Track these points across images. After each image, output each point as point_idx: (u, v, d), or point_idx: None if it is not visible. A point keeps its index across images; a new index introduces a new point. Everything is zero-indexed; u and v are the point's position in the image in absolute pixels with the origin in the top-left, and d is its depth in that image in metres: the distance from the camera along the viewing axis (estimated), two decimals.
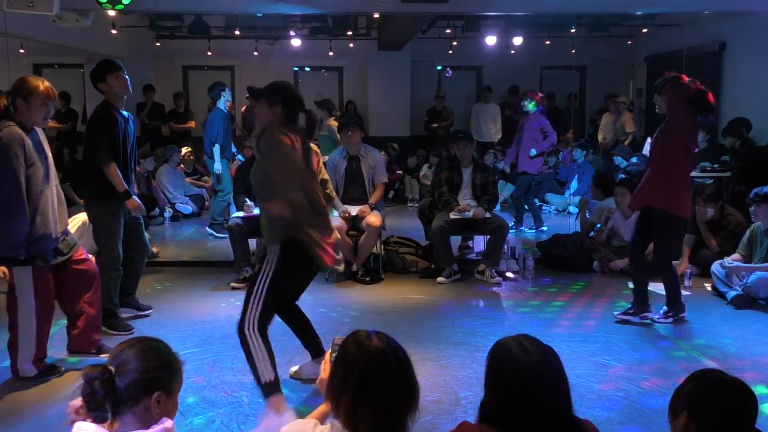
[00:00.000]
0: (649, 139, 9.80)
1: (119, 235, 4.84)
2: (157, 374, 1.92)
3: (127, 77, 4.79)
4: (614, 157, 9.69)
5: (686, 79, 4.75)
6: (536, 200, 9.27)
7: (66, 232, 4.18)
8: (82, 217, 5.64)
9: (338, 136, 8.48)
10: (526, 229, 8.71)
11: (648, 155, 5.24)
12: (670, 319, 4.97)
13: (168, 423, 1.88)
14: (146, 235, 5.29)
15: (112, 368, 1.86)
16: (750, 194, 5.78)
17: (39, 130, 4.03)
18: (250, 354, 3.51)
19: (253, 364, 3.50)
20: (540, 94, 8.58)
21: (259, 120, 3.82)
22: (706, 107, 4.65)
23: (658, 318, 4.98)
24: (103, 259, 4.78)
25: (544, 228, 8.67)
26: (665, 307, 5.05)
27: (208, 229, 8.37)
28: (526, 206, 8.84)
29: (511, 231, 8.54)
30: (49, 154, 4.05)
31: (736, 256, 5.87)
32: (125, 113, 4.87)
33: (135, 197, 4.86)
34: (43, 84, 3.93)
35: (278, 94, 3.72)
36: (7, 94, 3.92)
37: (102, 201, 4.77)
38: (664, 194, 4.78)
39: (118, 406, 1.86)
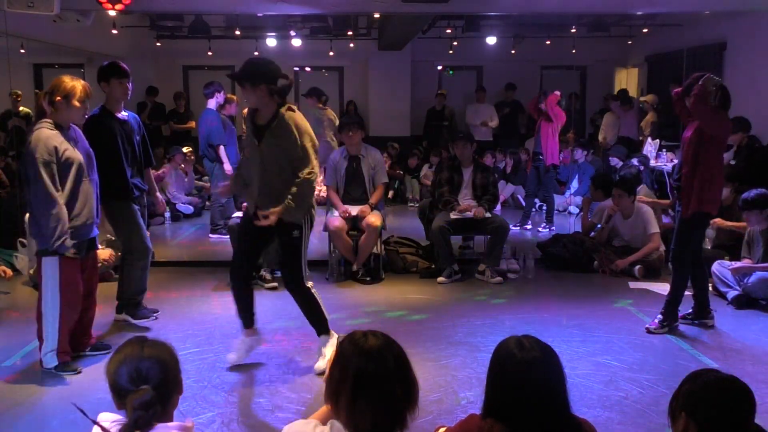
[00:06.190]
0: (649, 140, 9.84)
1: (142, 226, 4.91)
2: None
3: (130, 86, 4.86)
4: (610, 158, 9.66)
5: (709, 76, 4.58)
6: (536, 200, 9.28)
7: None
8: None
9: (323, 119, 8.70)
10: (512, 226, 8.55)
11: (677, 157, 5.06)
12: (665, 329, 4.91)
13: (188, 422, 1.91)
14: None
15: (149, 389, 1.83)
16: (739, 201, 5.75)
17: (75, 127, 4.15)
18: (315, 302, 4.11)
19: (317, 310, 4.10)
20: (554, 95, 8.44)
21: (250, 101, 4.06)
22: (729, 101, 4.57)
23: (654, 328, 4.89)
24: (134, 253, 4.88)
25: (528, 226, 8.81)
26: (660, 316, 4.93)
27: (211, 235, 8.29)
28: (536, 200, 8.98)
29: (527, 229, 8.70)
30: (89, 150, 4.16)
31: (747, 261, 5.80)
32: (125, 114, 4.87)
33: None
34: (80, 83, 4.06)
35: (260, 76, 3.95)
36: (45, 94, 4.04)
37: (118, 195, 4.77)
38: (708, 195, 4.66)
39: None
